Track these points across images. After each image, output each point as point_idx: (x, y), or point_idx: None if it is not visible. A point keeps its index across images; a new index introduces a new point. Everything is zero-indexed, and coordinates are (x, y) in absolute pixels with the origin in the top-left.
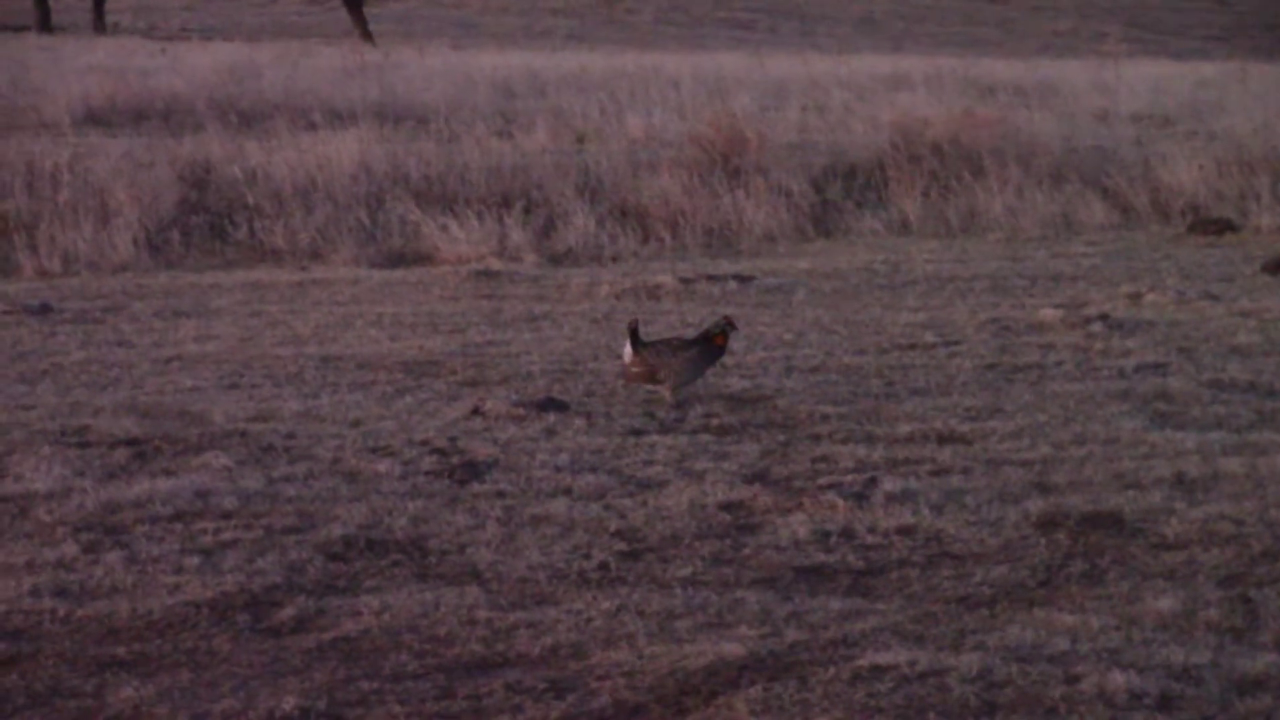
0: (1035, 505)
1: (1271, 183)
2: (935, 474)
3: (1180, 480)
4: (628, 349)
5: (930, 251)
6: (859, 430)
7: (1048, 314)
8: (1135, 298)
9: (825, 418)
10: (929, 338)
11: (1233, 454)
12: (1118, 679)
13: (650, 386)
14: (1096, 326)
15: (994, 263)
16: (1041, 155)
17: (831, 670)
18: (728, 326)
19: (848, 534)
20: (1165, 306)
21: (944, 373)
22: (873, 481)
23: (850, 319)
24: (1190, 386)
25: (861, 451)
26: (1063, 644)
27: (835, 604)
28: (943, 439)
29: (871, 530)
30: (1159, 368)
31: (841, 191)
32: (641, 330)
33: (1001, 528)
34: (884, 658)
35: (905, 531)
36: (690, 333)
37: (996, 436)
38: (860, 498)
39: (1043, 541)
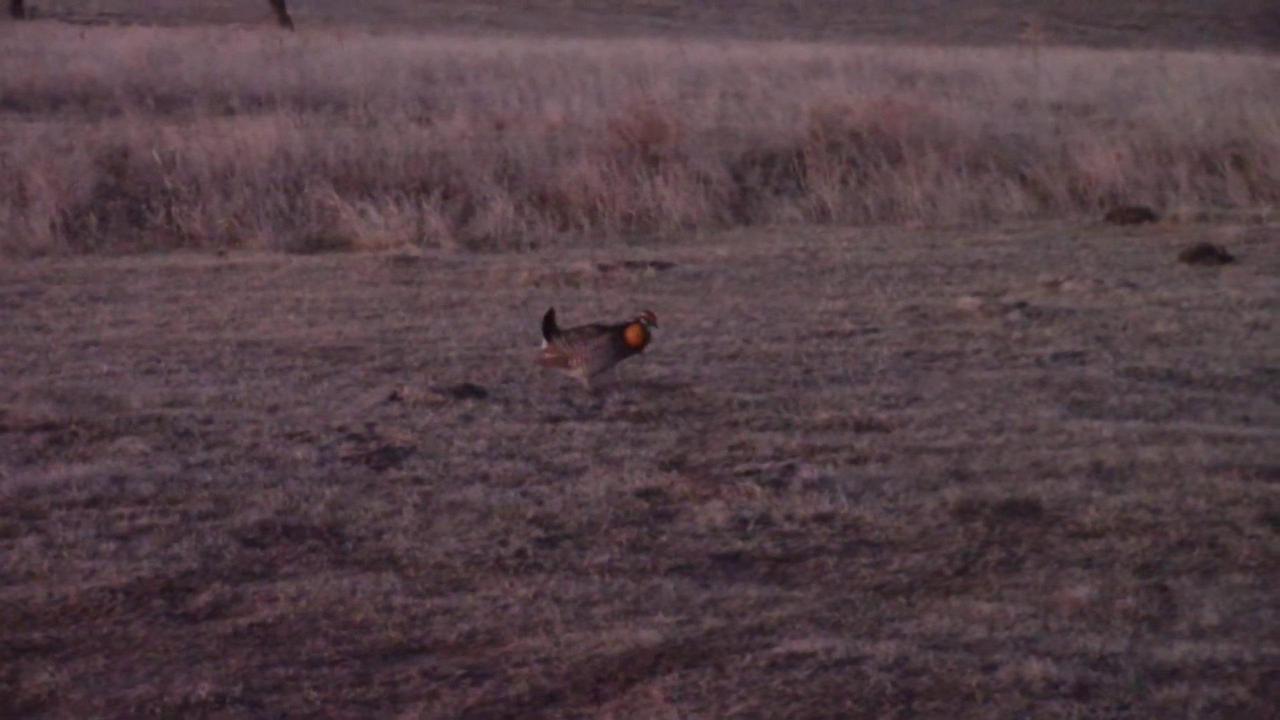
0: (953, 493)
1: (1189, 172)
2: (853, 462)
3: (1098, 469)
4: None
5: (849, 239)
6: (777, 418)
7: (966, 302)
8: (1053, 286)
9: (743, 405)
10: (847, 325)
11: (1150, 443)
12: (1034, 667)
13: (566, 373)
14: (1014, 315)
15: (912, 251)
16: (960, 143)
17: (748, 658)
18: (646, 321)
19: (765, 521)
20: (1083, 295)
21: (862, 360)
22: (790, 469)
23: (768, 306)
24: (1108, 375)
25: (779, 439)
26: (980, 632)
27: (752, 591)
28: (860, 427)
29: (789, 518)
30: (1077, 356)
31: (760, 179)
32: (561, 318)
33: (919, 516)
34: (801, 645)
35: (823, 519)
36: (610, 321)
37: (914, 424)
38: (778, 485)
39: (960, 530)
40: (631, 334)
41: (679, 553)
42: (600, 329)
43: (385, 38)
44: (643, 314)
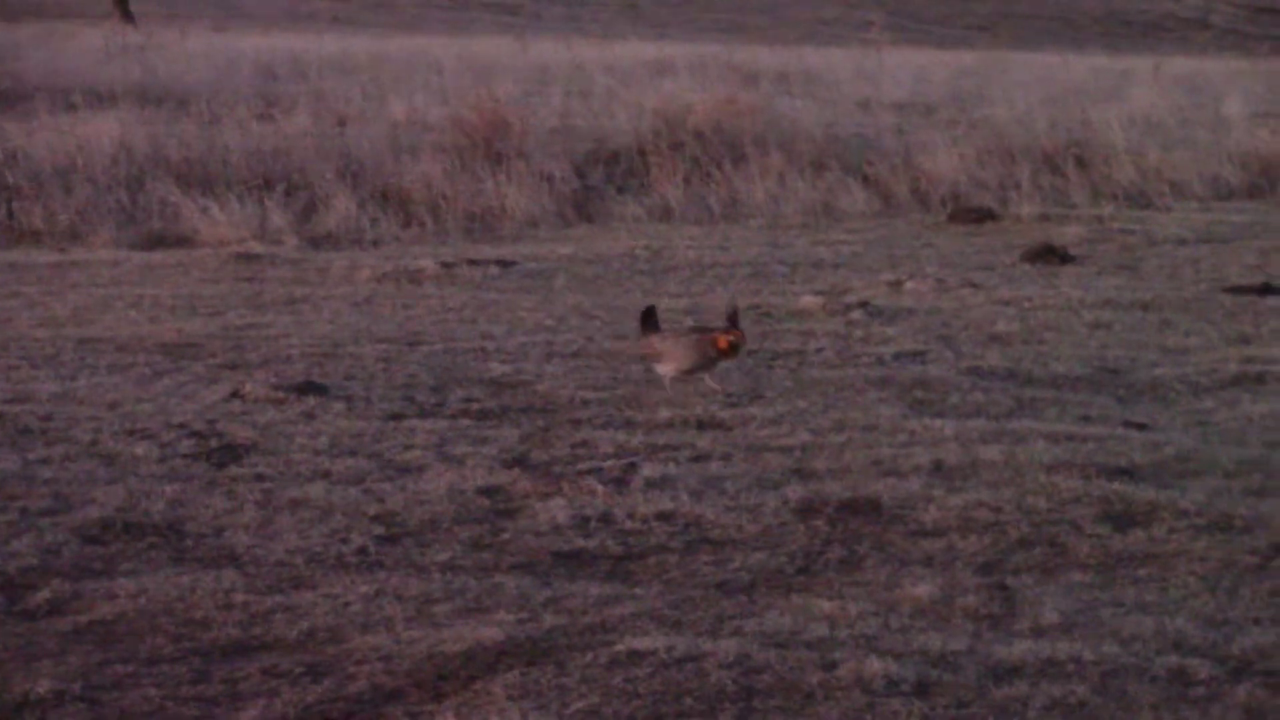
0: (794, 491)
1: (1032, 172)
2: (695, 460)
3: (939, 468)
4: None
5: (692, 238)
6: (619, 416)
7: (808, 301)
8: (896, 285)
9: (585, 403)
10: (689, 323)
11: (991, 442)
12: (875, 665)
13: (656, 367)
14: (857, 314)
15: (755, 249)
16: (803, 143)
17: (589, 655)
18: (737, 340)
19: (607, 519)
20: (925, 294)
21: None
22: (632, 467)
23: (611, 305)
24: (949, 374)
25: (621, 437)
26: (821, 630)
27: (594, 589)
28: (702, 425)
29: (630, 516)
30: (918, 355)
31: (604, 177)
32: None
33: (760, 514)
34: (642, 643)
35: (664, 517)
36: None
37: (756, 423)
38: (619, 483)
39: (801, 528)
40: (722, 341)
41: (520, 550)
42: (695, 330)
43: (229, 34)
44: (734, 333)
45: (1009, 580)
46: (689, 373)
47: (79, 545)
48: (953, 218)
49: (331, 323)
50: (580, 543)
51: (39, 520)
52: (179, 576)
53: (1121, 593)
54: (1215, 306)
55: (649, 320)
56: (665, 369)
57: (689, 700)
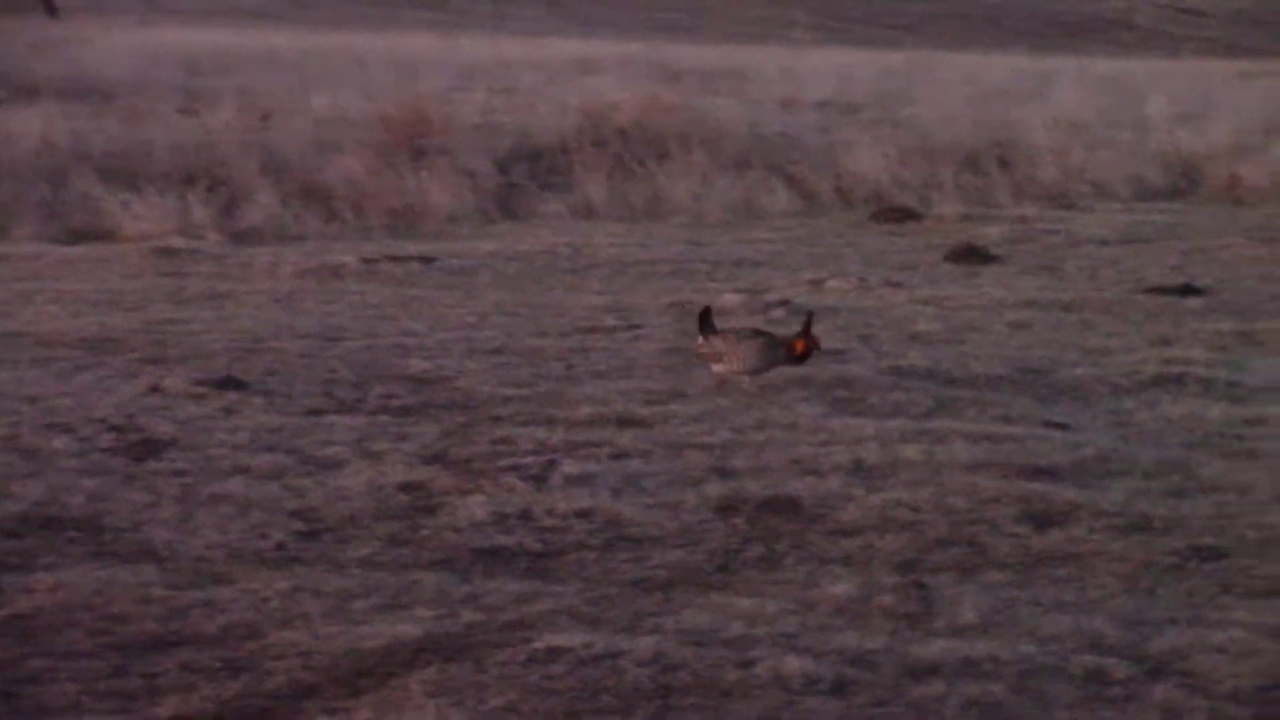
0: (714, 489)
1: (955, 172)
2: (615, 457)
3: (858, 466)
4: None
5: (614, 235)
6: (539, 413)
7: (730, 299)
8: (817, 284)
9: (506, 400)
10: (611, 321)
11: (911, 441)
12: (793, 664)
13: (715, 368)
14: (778, 312)
15: (677, 247)
16: (727, 141)
17: (507, 652)
18: (812, 346)
19: (526, 516)
20: (847, 293)
21: (625, 356)
22: (552, 464)
23: (532, 302)
24: (870, 373)
25: (541, 434)
26: (739, 628)
27: (512, 586)
28: (623, 422)
29: (550, 513)
30: (839, 354)
31: (527, 174)
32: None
33: (680, 512)
34: (560, 640)
35: (583, 514)
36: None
37: (676, 420)
38: (539, 480)
39: (721, 526)
40: (800, 346)
41: (439, 547)
42: (758, 333)
43: (154, 28)
44: (810, 338)
45: (927, 579)
46: (748, 375)
47: None
48: (875, 217)
49: (253, 318)
50: (499, 539)
51: None
52: (98, 571)
53: (1040, 592)
54: (1136, 307)
55: (706, 321)
56: (724, 370)
57: (606, 698)
